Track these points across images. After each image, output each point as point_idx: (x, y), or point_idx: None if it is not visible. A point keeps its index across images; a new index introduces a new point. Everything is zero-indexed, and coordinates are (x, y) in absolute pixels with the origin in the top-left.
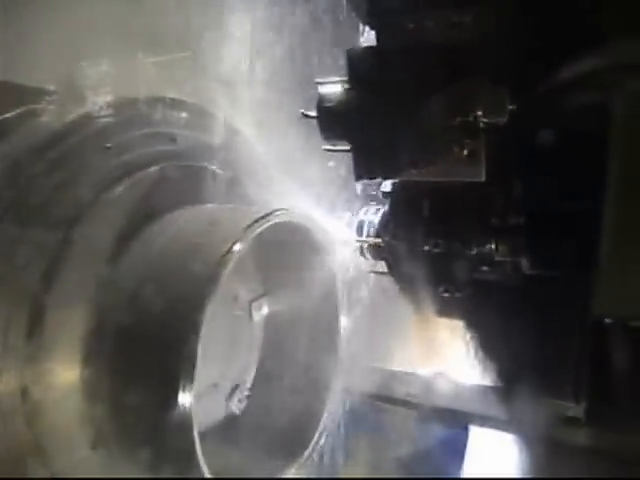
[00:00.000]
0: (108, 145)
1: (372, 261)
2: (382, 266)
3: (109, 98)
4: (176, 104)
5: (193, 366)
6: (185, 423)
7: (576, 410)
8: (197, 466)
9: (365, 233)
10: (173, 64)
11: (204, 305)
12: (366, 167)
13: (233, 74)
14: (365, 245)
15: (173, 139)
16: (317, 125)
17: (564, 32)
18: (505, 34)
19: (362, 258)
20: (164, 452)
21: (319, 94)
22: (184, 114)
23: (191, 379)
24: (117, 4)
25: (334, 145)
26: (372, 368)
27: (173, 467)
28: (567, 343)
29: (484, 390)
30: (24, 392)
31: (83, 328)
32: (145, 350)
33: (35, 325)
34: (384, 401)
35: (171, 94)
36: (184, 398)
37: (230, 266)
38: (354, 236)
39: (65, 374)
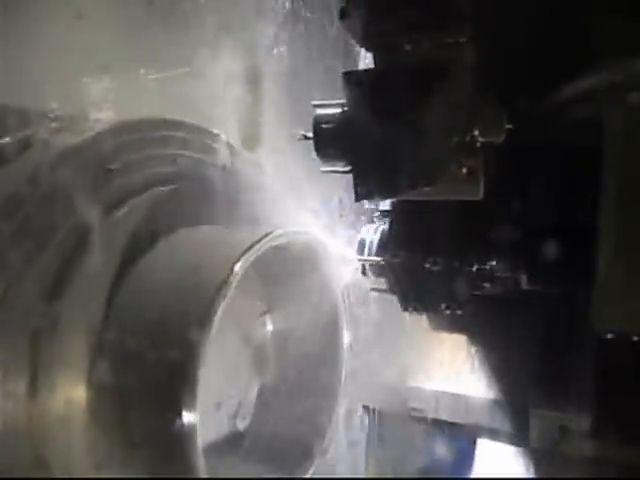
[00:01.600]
0: (111, 167)
1: (374, 279)
2: (383, 284)
3: (111, 117)
4: (176, 125)
5: (196, 387)
6: (189, 443)
7: (580, 422)
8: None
9: (366, 252)
10: (174, 81)
11: (207, 326)
12: (365, 188)
13: (234, 92)
14: (367, 264)
15: (174, 160)
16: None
17: (560, 49)
18: (501, 53)
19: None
20: (168, 472)
21: (315, 116)
22: (185, 135)
23: (194, 400)
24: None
25: (333, 166)
26: (376, 383)
27: None
28: (570, 356)
29: (488, 403)
30: (29, 416)
31: (87, 352)
32: (148, 373)
33: (38, 350)
34: (389, 416)
35: (172, 112)
36: (188, 419)
37: (232, 287)
38: (356, 255)
39: (69, 397)
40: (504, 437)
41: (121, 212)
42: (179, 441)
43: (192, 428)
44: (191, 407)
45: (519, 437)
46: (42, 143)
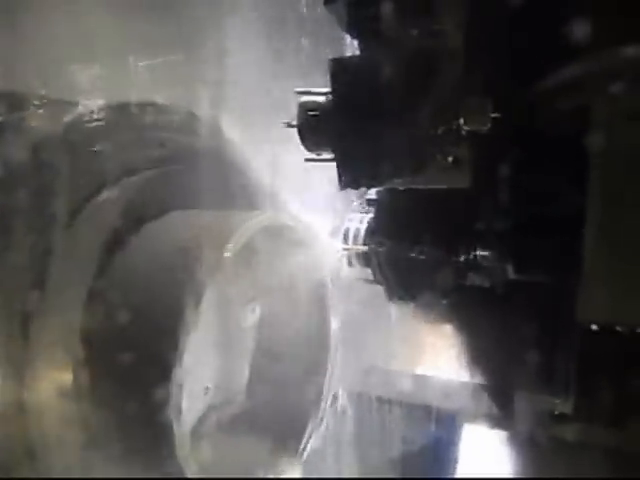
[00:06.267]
0: (97, 149)
1: (359, 269)
2: (369, 273)
3: (99, 102)
4: (165, 108)
5: (182, 368)
6: (175, 426)
7: (564, 406)
8: (186, 466)
9: (351, 241)
10: (165, 67)
11: (193, 309)
12: (351, 176)
13: (224, 78)
14: (352, 253)
15: (162, 144)
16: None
17: (548, 39)
18: (488, 41)
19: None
20: (153, 453)
21: (300, 104)
22: (173, 118)
23: (180, 382)
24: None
25: (318, 154)
26: (363, 368)
27: (163, 468)
28: (555, 341)
29: (474, 388)
30: (18, 397)
31: (74, 333)
32: (135, 353)
33: (27, 331)
34: (375, 400)
35: (162, 97)
36: (174, 401)
37: (220, 270)
38: (340, 244)
39: (57, 379)
40: (489, 421)
41: (109, 194)
42: (165, 421)
43: (177, 410)
44: (176, 391)
45: (504, 421)
46: (31, 125)
